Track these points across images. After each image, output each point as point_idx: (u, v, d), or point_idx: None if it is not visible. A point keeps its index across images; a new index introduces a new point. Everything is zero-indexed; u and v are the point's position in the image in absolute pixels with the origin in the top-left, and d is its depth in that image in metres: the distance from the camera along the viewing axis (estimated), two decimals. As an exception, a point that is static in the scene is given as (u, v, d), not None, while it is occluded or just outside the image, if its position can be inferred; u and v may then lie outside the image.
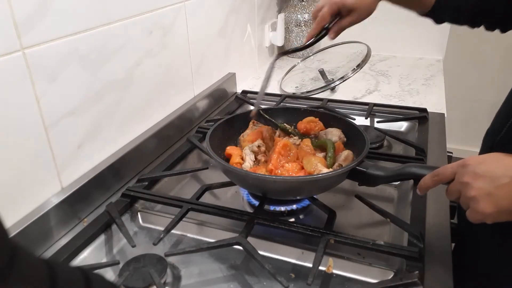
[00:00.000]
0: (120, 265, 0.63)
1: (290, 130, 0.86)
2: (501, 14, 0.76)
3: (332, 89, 1.31)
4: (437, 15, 0.82)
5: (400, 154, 0.94)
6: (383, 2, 0.81)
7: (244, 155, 0.76)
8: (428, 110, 1.10)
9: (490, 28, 0.80)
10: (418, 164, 0.67)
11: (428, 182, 0.59)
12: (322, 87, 1.28)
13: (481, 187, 0.51)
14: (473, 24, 0.82)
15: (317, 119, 0.87)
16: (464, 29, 0.87)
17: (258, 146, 0.77)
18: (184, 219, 0.71)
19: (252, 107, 1.18)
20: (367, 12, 0.78)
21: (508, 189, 0.50)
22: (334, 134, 0.81)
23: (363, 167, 0.69)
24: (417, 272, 0.59)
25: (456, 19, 0.82)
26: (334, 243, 0.65)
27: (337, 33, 0.80)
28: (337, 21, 0.79)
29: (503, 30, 0.79)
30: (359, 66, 1.26)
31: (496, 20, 0.79)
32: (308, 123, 0.86)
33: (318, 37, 0.81)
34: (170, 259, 0.65)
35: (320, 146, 0.79)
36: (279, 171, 0.73)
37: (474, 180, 0.52)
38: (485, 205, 0.50)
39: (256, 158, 0.77)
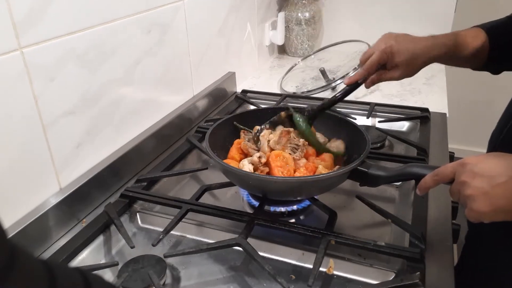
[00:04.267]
0: (119, 266, 0.62)
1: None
2: None
3: (333, 88, 1.30)
4: (494, 66, 0.79)
5: (401, 154, 0.94)
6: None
7: (242, 166, 0.73)
8: (430, 110, 1.09)
9: None
10: (420, 164, 0.67)
11: (428, 181, 0.59)
12: (323, 87, 1.27)
13: (478, 186, 0.51)
14: None
15: None
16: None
17: (259, 157, 0.72)
18: (183, 219, 0.71)
19: (252, 107, 1.17)
20: (411, 72, 0.76)
21: (505, 188, 0.50)
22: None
23: (364, 167, 0.69)
24: (418, 273, 0.59)
25: None
26: (335, 244, 0.64)
27: (373, 84, 0.78)
28: (379, 72, 0.76)
29: None
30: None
31: None
32: None
33: (359, 83, 0.77)
34: (169, 260, 0.65)
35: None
36: None
37: (471, 179, 0.52)
38: (481, 204, 0.51)
39: (256, 169, 0.73)
